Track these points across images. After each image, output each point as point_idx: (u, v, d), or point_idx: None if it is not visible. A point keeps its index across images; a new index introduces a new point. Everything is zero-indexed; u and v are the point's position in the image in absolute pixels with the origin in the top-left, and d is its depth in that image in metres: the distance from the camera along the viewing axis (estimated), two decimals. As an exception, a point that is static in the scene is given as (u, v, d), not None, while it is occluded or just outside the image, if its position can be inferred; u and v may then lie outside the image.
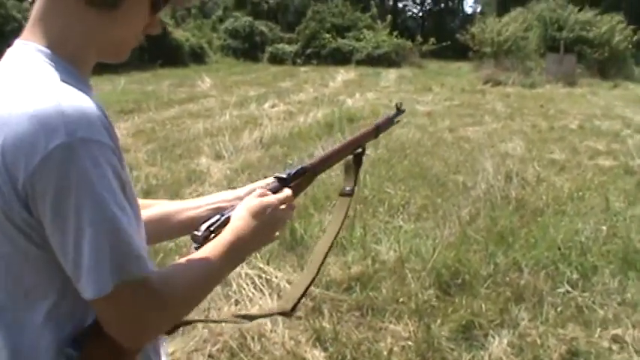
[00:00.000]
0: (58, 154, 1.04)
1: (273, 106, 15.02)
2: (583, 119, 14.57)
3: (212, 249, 1.35)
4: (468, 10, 67.10)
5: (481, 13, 58.60)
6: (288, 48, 36.44)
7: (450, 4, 64.28)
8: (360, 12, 43.51)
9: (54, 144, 1.04)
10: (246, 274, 4.86)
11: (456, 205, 6.93)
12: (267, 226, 1.46)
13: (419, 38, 39.25)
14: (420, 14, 65.64)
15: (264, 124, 11.58)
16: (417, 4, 66.00)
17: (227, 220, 1.44)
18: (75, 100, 1.09)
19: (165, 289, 1.19)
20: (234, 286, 4.70)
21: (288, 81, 20.92)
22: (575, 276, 5.07)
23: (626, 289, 4.93)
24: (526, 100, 18.87)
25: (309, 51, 37.21)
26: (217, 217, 1.49)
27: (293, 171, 1.66)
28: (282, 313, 1.65)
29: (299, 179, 1.66)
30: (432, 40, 38.02)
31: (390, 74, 28.22)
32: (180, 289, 1.23)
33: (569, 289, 4.88)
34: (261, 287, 4.74)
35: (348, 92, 19.35)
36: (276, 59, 36.32)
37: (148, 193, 7.15)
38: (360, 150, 1.94)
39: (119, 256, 1.10)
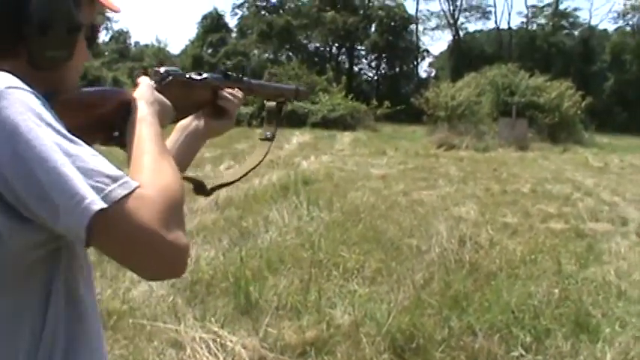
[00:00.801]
0: None
1: (228, 168, 15.00)
2: (535, 183, 14.78)
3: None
4: (423, 74, 68.17)
5: (435, 77, 59.84)
6: (244, 109, 36.53)
7: (405, 68, 65.35)
8: (316, 75, 44.03)
9: None
10: (201, 338, 4.79)
11: (410, 269, 6.93)
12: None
13: (374, 102, 39.78)
14: (375, 78, 66.59)
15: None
16: (372, 68, 67.12)
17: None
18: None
19: (150, 189, 1.15)
20: (189, 350, 4.63)
21: (244, 142, 20.92)
22: (528, 339, 5.08)
23: (579, 352, 4.95)
24: (479, 164, 19.13)
25: (265, 113, 37.26)
26: None
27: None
28: (201, 187, 1.72)
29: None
30: (387, 103, 38.55)
31: (345, 137, 28.43)
32: (159, 180, 1.20)
33: (523, 352, 4.89)
34: (216, 351, 4.67)
35: (304, 155, 19.44)
36: (232, 121, 36.41)
37: (102, 254, 7.06)
38: (282, 100, 2.08)
39: (95, 178, 1.08)
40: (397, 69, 64.88)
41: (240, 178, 1.87)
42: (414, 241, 8.23)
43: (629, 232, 9.51)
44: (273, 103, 2.08)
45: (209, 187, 1.71)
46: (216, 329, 4.97)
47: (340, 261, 7.06)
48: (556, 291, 6.23)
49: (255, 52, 62.91)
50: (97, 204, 1.05)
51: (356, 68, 66.49)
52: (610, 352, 4.91)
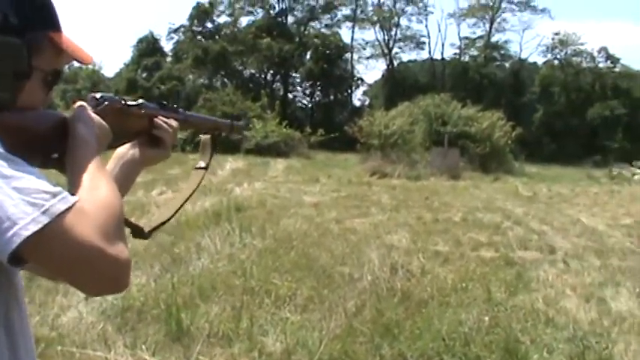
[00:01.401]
0: None
1: (161, 194, 14.89)
2: (466, 212, 14.97)
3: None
4: (357, 102, 68.60)
5: (369, 106, 60.24)
6: (177, 135, 36.18)
7: (339, 96, 65.71)
8: (251, 101, 44.06)
9: None
10: (131, 367, 4.73)
11: (342, 297, 6.94)
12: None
13: (308, 129, 39.93)
14: (310, 105, 66.82)
15: (151, 212, 11.43)
16: (307, 96, 67.33)
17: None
18: None
19: (89, 203, 1.17)
20: (118, 378, 4.57)
21: (177, 168, 20.77)
22: (458, 367, 5.13)
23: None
24: (411, 193, 19.32)
25: (198, 139, 37.10)
26: None
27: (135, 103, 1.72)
28: (138, 231, 1.67)
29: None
30: (321, 131, 38.75)
31: (279, 164, 28.47)
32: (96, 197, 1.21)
33: (453, 380, 4.94)
34: (145, 380, 4.62)
35: (237, 181, 19.39)
36: (165, 146, 36.09)
37: (30, 279, 6.91)
38: (216, 132, 2.13)
39: (34, 195, 1.09)
40: (331, 97, 65.19)
41: (177, 211, 1.85)
42: (346, 268, 8.25)
43: (556, 260, 9.70)
44: (207, 136, 2.10)
45: (147, 229, 1.69)
46: (147, 357, 4.92)
47: (272, 288, 7.04)
48: (486, 318, 6.30)
49: (190, 77, 62.66)
50: (30, 227, 1.06)
51: (290, 95, 66.69)
52: (538, 379, 4.99)
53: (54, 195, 1.10)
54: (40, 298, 6.07)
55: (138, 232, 1.67)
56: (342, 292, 7.18)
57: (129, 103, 1.67)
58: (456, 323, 6.10)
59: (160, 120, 1.77)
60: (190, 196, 1.90)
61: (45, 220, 1.07)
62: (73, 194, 1.17)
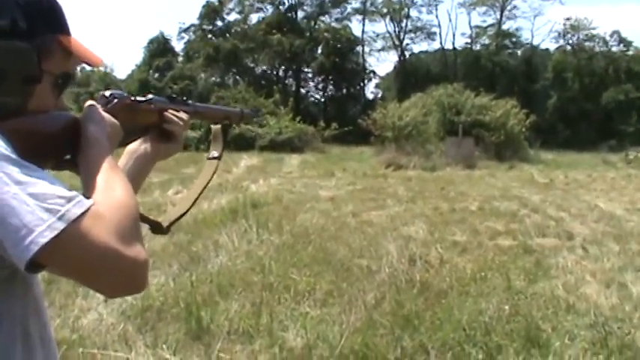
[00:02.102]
0: None
1: (176, 193, 14.89)
2: (482, 200, 14.93)
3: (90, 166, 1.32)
4: (370, 95, 68.46)
5: (382, 98, 60.09)
6: (191, 134, 36.27)
7: (352, 89, 65.60)
8: (264, 98, 44.07)
9: None
10: (152, 367, 4.74)
11: (362, 290, 6.93)
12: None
13: (321, 123, 39.99)
14: (323, 100, 66.75)
15: (167, 211, 11.43)
16: (319, 90, 67.24)
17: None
18: None
19: (105, 206, 1.17)
20: (139, 379, 4.58)
21: (192, 167, 20.83)
22: (480, 356, 5.11)
23: (530, 367, 4.99)
24: (427, 183, 19.28)
25: (211, 136, 37.15)
26: None
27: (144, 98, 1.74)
28: (157, 226, 1.66)
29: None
30: (334, 125, 38.77)
31: (293, 159, 28.48)
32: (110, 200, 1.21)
33: (475, 370, 4.92)
34: (167, 379, 4.63)
35: (252, 178, 19.41)
36: (180, 145, 36.08)
37: (50, 283, 6.94)
38: (227, 122, 2.12)
39: (49, 201, 1.10)
40: (344, 90, 65.09)
41: (194, 203, 1.84)
42: (364, 261, 8.24)
43: (575, 246, 9.65)
44: (218, 126, 2.10)
45: (165, 224, 1.68)
46: (167, 356, 4.92)
47: (291, 284, 7.04)
48: (506, 307, 6.29)
49: (202, 76, 62.70)
50: (47, 234, 1.06)
51: (303, 90, 66.60)
52: (560, 366, 4.96)
53: (69, 200, 1.11)
54: (60, 301, 6.09)
55: (157, 228, 1.67)
56: (361, 285, 7.17)
57: (138, 99, 1.67)
58: (476, 313, 6.09)
59: (169, 114, 1.77)
60: (206, 186, 1.90)
61: (61, 225, 1.07)
62: (87, 196, 1.18)
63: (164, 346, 5.07)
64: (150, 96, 1.73)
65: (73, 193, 1.13)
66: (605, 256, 8.87)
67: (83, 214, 1.10)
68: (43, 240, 1.06)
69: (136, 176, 1.69)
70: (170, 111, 1.78)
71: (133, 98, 1.65)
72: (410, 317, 5.95)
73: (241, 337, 5.47)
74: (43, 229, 1.06)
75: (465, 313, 6.01)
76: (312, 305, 6.45)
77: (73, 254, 1.10)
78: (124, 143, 1.67)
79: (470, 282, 7.36)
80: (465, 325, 5.69)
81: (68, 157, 1.41)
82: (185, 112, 1.84)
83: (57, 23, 1.38)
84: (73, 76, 1.44)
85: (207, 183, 1.91)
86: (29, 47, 1.27)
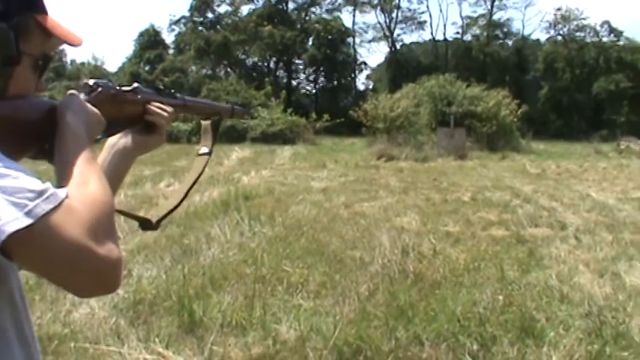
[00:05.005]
0: None
1: (168, 185, 14.84)
2: (475, 191, 14.94)
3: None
4: (361, 87, 68.59)
5: (373, 89, 60.23)
6: (182, 126, 36.20)
7: (343, 81, 65.65)
8: (255, 90, 44.04)
9: None
10: (145, 359, 4.71)
11: (355, 281, 6.91)
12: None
13: (313, 115, 39.92)
14: (314, 91, 66.80)
15: (157, 206, 11.40)
16: (311, 82, 67.33)
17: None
18: None
19: (77, 200, 1.13)
20: (132, 372, 4.55)
21: (184, 159, 20.78)
22: (475, 347, 5.10)
23: (525, 356, 4.98)
24: (419, 174, 19.30)
25: (201, 130, 37.08)
26: None
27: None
28: (146, 223, 1.64)
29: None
30: (326, 116, 38.73)
31: (285, 151, 28.48)
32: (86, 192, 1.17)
33: (470, 360, 4.91)
34: (160, 373, 4.60)
35: (244, 170, 19.37)
36: (171, 137, 36.00)
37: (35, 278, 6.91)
38: (217, 118, 2.09)
39: (17, 195, 1.05)
40: (335, 82, 65.14)
41: (183, 199, 1.80)
42: (357, 253, 8.22)
43: (568, 236, 9.65)
44: (208, 121, 2.07)
45: (154, 220, 1.64)
46: (160, 350, 4.89)
47: (284, 276, 7.02)
48: (500, 297, 6.28)
49: (193, 68, 62.67)
50: (13, 225, 1.02)
51: (294, 82, 66.66)
52: (555, 355, 4.95)
53: (40, 194, 1.06)
54: (51, 295, 6.05)
55: (146, 224, 1.63)
56: (354, 276, 7.15)
57: (124, 88, 1.63)
58: (470, 303, 6.07)
59: (153, 106, 1.72)
60: (195, 182, 1.86)
61: (28, 221, 1.03)
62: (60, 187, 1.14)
63: (157, 339, 5.04)
64: (135, 85, 1.69)
65: (46, 185, 1.09)
66: (598, 246, 8.87)
67: (54, 208, 1.06)
68: (10, 229, 1.01)
69: (116, 171, 1.64)
70: (154, 103, 1.73)
71: (118, 88, 1.61)
72: (404, 308, 5.94)
73: (234, 329, 5.44)
74: (9, 220, 1.02)
75: (458, 304, 5.99)
76: (305, 297, 6.43)
77: (42, 250, 1.06)
78: (108, 134, 1.62)
79: (463, 272, 7.35)
80: (460, 315, 5.68)
81: (47, 146, 1.36)
82: (172, 105, 1.80)
83: (34, 2, 1.33)
84: (52, 57, 1.41)
85: (197, 179, 1.87)
86: (6, 27, 1.23)
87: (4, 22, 1.23)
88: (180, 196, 1.79)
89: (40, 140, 1.36)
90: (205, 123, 2.07)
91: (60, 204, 1.07)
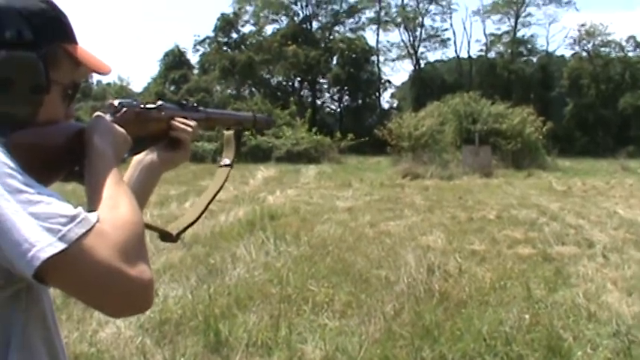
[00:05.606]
0: None
1: (193, 205, 14.87)
2: (500, 209, 14.86)
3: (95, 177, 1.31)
4: (385, 105, 68.58)
5: (397, 108, 60.26)
6: (208, 146, 36.31)
7: (367, 99, 65.69)
8: (280, 109, 44.14)
9: None
10: (170, 380, 4.73)
11: (380, 301, 6.90)
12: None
13: (337, 134, 39.96)
14: (338, 110, 66.89)
15: (178, 219, 11.42)
16: (335, 101, 67.46)
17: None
18: None
19: (108, 224, 1.15)
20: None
21: (209, 179, 20.75)
22: (501, 367, 5.07)
23: (552, 378, 4.94)
24: (444, 192, 19.22)
25: (224, 141, 37.18)
26: None
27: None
28: (167, 235, 1.67)
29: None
30: (351, 135, 38.77)
31: (310, 170, 28.47)
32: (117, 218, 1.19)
33: (497, 381, 4.88)
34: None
35: (269, 189, 19.41)
36: (197, 157, 36.07)
37: (68, 296, 6.95)
38: (239, 127, 2.12)
39: (50, 220, 1.08)
40: (360, 101, 65.21)
41: (204, 211, 1.83)
42: (382, 272, 8.20)
43: (595, 254, 9.57)
44: (231, 132, 2.09)
45: (175, 232, 1.67)
46: (186, 370, 4.90)
47: (309, 295, 7.01)
48: (527, 316, 6.24)
49: (218, 88, 62.94)
50: (48, 250, 1.05)
51: (319, 101, 66.77)
52: (583, 376, 4.91)
53: (72, 219, 1.10)
54: (77, 315, 6.09)
55: (166, 236, 1.66)
56: (379, 295, 7.13)
57: (148, 106, 1.65)
58: (497, 322, 6.04)
59: (177, 121, 1.75)
60: (216, 194, 1.89)
61: (62, 246, 1.06)
62: (91, 210, 1.17)
63: (182, 359, 5.06)
64: (160, 102, 1.72)
65: (77, 210, 1.12)
66: (626, 264, 8.79)
67: (86, 232, 1.09)
68: (45, 255, 1.04)
69: (143, 188, 1.68)
70: (178, 118, 1.76)
71: (142, 106, 1.63)
72: (429, 328, 5.91)
73: (260, 349, 5.45)
74: (44, 246, 1.05)
75: (485, 323, 5.96)
76: (330, 317, 6.42)
77: (76, 273, 1.09)
78: (134, 153, 1.65)
79: (489, 291, 7.31)
80: (486, 335, 5.65)
81: (77, 168, 1.40)
82: (196, 119, 1.83)
83: (63, 32, 1.37)
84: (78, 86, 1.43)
85: (218, 191, 1.90)
86: (35, 57, 1.27)
87: (34, 51, 1.27)
88: (200, 209, 1.82)
89: (70, 163, 1.39)
90: (228, 133, 2.09)
91: (92, 228, 1.10)
